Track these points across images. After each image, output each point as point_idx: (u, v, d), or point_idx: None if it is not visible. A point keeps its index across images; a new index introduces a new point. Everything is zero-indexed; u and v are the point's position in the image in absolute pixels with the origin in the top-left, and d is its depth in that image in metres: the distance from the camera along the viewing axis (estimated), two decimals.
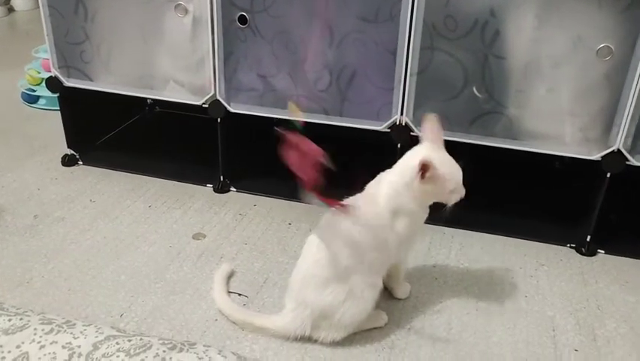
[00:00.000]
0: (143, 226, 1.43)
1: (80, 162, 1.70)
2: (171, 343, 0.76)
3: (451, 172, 1.03)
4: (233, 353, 0.76)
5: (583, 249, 1.38)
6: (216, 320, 1.13)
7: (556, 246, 1.40)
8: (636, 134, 1.24)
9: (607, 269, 1.33)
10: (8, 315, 0.80)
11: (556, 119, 1.29)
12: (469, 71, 1.29)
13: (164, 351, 0.74)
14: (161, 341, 0.76)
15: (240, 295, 1.20)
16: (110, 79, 1.54)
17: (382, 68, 1.35)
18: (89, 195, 1.54)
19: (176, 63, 1.48)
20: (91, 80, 1.56)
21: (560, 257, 1.36)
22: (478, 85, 1.30)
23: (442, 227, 1.45)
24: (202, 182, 1.63)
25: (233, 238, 1.40)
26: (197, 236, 1.40)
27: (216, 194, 1.60)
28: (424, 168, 0.99)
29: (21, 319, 0.79)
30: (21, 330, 0.77)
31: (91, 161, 1.70)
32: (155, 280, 1.23)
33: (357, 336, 1.10)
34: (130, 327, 1.09)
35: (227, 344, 1.06)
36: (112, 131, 1.90)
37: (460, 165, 1.04)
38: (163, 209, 1.50)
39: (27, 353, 0.73)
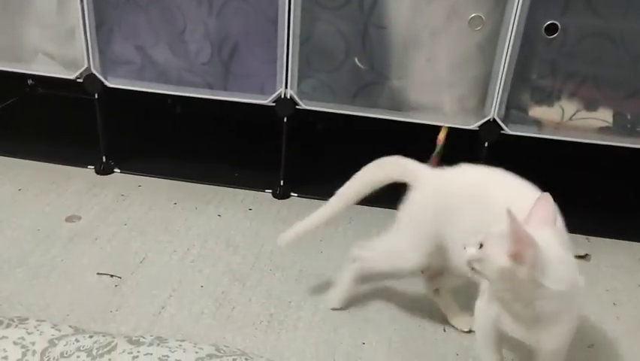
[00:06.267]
0: (10, 209, 1.31)
1: None
2: (1, 320, 0.68)
3: None
4: (70, 326, 0.70)
5: None
6: (81, 303, 1.05)
7: None
8: (509, 104, 1.28)
9: None
10: None
11: (435, 89, 1.31)
12: (351, 42, 1.28)
13: None
14: None
15: (112, 276, 1.13)
16: None
17: (264, 39, 1.31)
18: None
19: (44, 33, 1.37)
20: None
21: None
22: (360, 56, 1.29)
23: None
24: (84, 164, 1.53)
25: (112, 219, 1.31)
26: (70, 219, 1.30)
27: (98, 176, 1.50)
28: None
29: None
30: None
31: None
32: (15, 264, 1.13)
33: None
34: None
35: (91, 326, 0.99)
36: None
37: None
38: (35, 192, 1.39)
39: None
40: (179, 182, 1.49)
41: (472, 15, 1.20)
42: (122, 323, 1.01)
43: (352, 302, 1.11)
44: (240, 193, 1.47)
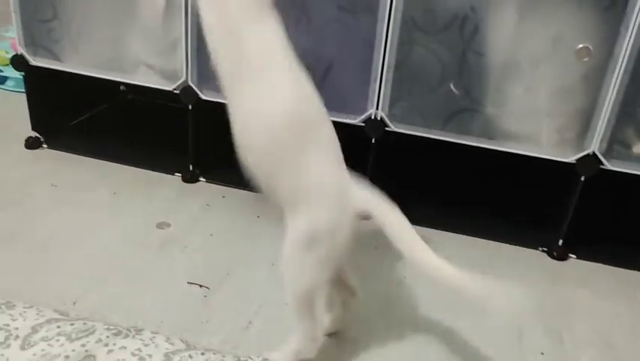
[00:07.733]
0: (106, 213, 1.37)
1: (45, 145, 1.64)
2: (116, 328, 0.71)
3: None
4: (182, 340, 0.72)
5: (554, 253, 1.36)
6: (174, 311, 1.08)
7: (527, 249, 1.38)
8: (611, 139, 1.23)
9: (577, 274, 1.31)
10: None
11: (532, 119, 1.27)
12: (447, 67, 1.27)
13: (107, 337, 0.69)
14: (106, 327, 0.72)
15: (201, 286, 1.16)
16: (79, 60, 1.48)
17: (359, 60, 1.32)
18: (51, 179, 1.48)
19: (147, 46, 1.43)
20: (59, 60, 1.50)
21: (533, 260, 1.35)
22: (456, 81, 1.28)
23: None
24: (171, 171, 1.58)
25: (199, 229, 1.35)
26: (161, 225, 1.35)
27: (185, 184, 1.55)
28: None
29: None
30: None
31: (57, 145, 1.64)
32: (113, 268, 1.18)
33: None
34: (83, 315, 1.03)
35: (185, 335, 1.01)
36: (81, 116, 1.84)
37: None
38: (128, 197, 1.45)
39: None
40: (262, 195, 1.52)
41: (580, 46, 1.16)
42: (212, 334, 1.03)
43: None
44: None
